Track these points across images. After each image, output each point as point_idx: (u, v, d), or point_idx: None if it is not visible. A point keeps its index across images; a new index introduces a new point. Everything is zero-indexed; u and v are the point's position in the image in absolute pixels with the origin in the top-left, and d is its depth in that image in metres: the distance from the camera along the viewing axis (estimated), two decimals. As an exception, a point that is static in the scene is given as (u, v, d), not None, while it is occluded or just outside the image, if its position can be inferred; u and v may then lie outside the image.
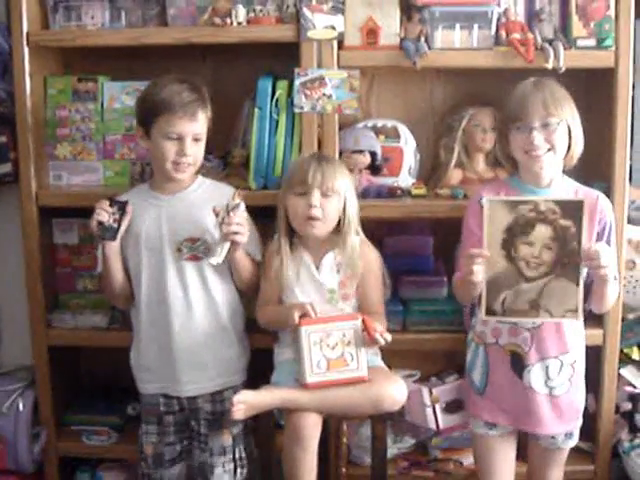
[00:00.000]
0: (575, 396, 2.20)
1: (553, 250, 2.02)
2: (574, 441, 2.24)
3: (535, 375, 2.14)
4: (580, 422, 2.24)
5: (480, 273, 2.02)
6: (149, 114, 2.20)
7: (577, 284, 2.03)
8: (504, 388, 2.17)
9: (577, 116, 2.15)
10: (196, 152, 2.21)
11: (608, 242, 2.16)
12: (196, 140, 2.20)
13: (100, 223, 2.19)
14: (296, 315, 2.07)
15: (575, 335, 2.18)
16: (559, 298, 2.04)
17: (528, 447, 2.32)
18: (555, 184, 2.18)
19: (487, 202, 2.02)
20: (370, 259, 2.26)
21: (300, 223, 2.20)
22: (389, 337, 2.08)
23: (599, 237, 2.16)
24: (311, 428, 2.06)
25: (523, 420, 2.18)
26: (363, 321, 2.08)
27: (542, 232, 2.01)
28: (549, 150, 2.10)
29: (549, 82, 2.15)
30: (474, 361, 2.23)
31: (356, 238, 2.25)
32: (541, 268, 2.03)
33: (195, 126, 2.19)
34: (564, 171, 2.22)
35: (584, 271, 2.04)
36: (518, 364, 2.16)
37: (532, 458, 2.32)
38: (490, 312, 2.07)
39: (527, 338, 2.14)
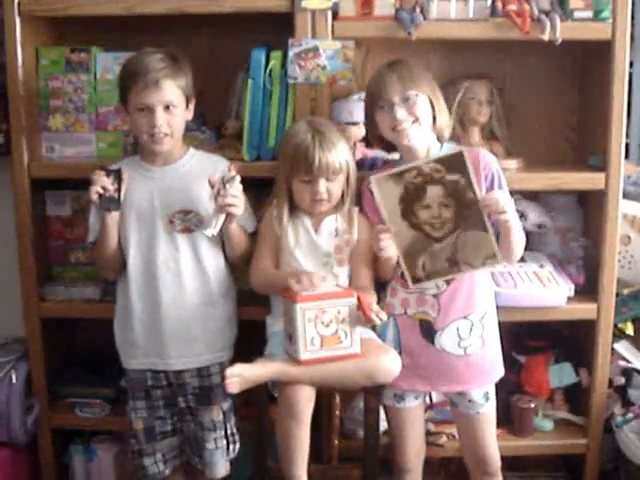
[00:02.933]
0: (488, 352, 2.25)
1: (451, 206, 2.07)
2: (492, 404, 2.28)
3: (446, 338, 2.20)
4: (499, 375, 2.28)
5: (390, 247, 2.08)
6: (123, 90, 2.20)
7: (486, 230, 2.07)
8: (418, 355, 2.22)
9: (437, 89, 2.20)
10: (170, 121, 2.18)
11: None
12: (168, 108, 2.17)
13: (101, 195, 2.18)
14: (293, 283, 2.06)
15: (482, 292, 2.23)
16: (474, 248, 2.09)
17: (455, 422, 2.37)
18: (434, 152, 2.21)
19: (374, 182, 2.07)
20: (363, 230, 2.27)
21: (306, 205, 2.25)
22: (385, 316, 2.08)
23: (488, 191, 2.16)
24: (305, 401, 2.05)
25: (439, 382, 2.24)
26: (358, 299, 2.07)
27: (434, 192, 2.06)
28: (414, 122, 2.14)
29: (404, 61, 2.22)
30: (385, 333, 2.25)
31: (355, 207, 2.28)
32: (446, 226, 2.08)
33: (162, 95, 2.15)
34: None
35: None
36: (428, 330, 2.21)
37: (460, 431, 2.36)
38: (416, 280, 2.12)
39: (434, 304, 2.19)
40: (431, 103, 2.17)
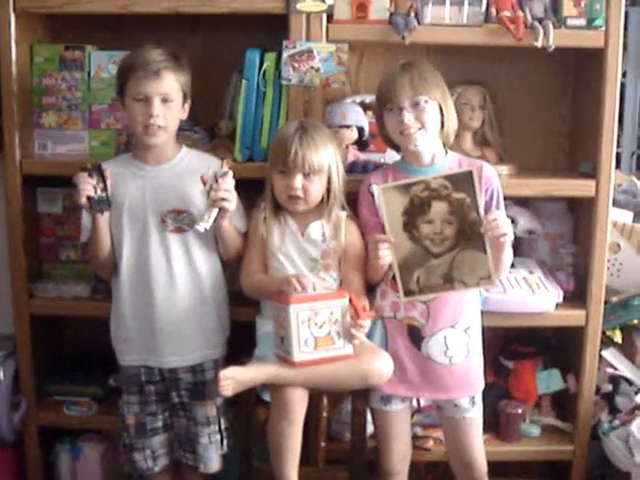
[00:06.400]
0: (473, 361, 2.25)
1: (453, 224, 2.09)
2: (478, 409, 2.28)
3: (433, 346, 2.20)
4: (481, 386, 2.28)
5: (387, 257, 2.09)
6: (120, 81, 2.21)
7: (485, 252, 2.08)
8: (403, 360, 2.22)
9: (448, 95, 2.19)
10: (166, 114, 2.18)
11: (497, 208, 2.20)
12: (165, 101, 2.17)
13: (89, 198, 2.17)
14: (285, 287, 2.07)
15: (469, 303, 2.23)
16: (470, 268, 2.10)
17: (441, 426, 2.37)
18: (438, 160, 2.21)
19: (380, 190, 2.09)
20: (354, 237, 2.25)
21: (283, 200, 2.22)
22: (373, 314, 2.13)
23: (487, 205, 2.17)
24: (297, 402, 2.06)
25: (423, 389, 2.24)
26: (350, 300, 2.08)
27: (439, 208, 2.07)
28: (420, 129, 2.13)
29: (418, 63, 2.20)
30: (372, 335, 2.24)
31: (342, 212, 2.25)
32: (446, 243, 2.10)
33: (161, 85, 2.16)
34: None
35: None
36: (416, 336, 2.22)
37: (446, 435, 2.36)
38: (408, 293, 2.13)
39: (423, 311, 2.19)
40: (440, 110, 2.15)
